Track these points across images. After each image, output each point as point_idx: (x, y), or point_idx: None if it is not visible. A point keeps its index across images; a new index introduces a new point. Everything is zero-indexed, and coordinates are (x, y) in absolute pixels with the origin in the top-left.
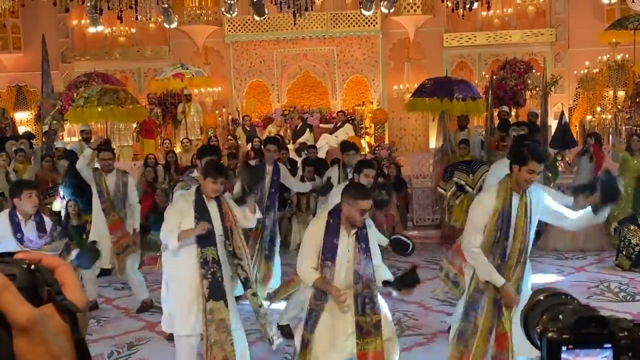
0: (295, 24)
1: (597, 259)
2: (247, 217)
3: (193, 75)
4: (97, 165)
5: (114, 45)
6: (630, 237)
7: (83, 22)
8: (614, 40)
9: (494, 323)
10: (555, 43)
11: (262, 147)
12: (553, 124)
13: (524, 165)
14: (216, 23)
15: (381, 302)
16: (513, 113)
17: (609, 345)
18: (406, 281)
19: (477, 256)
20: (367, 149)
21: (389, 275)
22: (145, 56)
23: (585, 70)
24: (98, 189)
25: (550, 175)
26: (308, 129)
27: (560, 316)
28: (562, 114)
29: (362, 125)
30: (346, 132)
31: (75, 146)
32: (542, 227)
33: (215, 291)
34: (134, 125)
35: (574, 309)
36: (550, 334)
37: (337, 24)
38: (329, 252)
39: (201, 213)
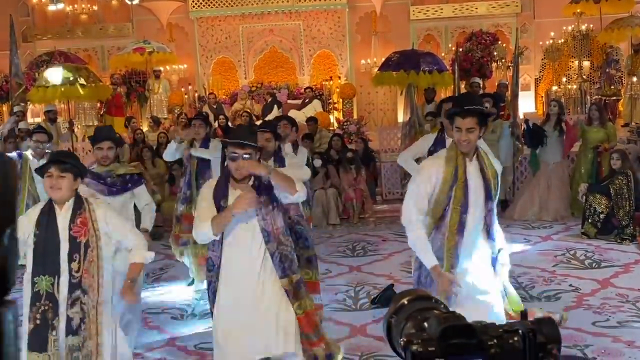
0: None
1: (563, 227)
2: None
3: (154, 50)
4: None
5: (76, 23)
6: (595, 205)
7: (43, 0)
8: (578, 10)
9: None
10: (520, 14)
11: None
12: (521, 95)
13: (452, 124)
14: None
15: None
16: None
17: (479, 356)
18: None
19: (414, 226)
20: (335, 125)
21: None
22: (108, 34)
23: (551, 41)
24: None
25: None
26: (276, 105)
27: (426, 324)
28: (527, 120)
29: (330, 101)
30: (314, 108)
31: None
32: (510, 197)
33: (35, 339)
34: (99, 104)
35: (439, 317)
36: (415, 347)
37: None
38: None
39: (42, 227)
